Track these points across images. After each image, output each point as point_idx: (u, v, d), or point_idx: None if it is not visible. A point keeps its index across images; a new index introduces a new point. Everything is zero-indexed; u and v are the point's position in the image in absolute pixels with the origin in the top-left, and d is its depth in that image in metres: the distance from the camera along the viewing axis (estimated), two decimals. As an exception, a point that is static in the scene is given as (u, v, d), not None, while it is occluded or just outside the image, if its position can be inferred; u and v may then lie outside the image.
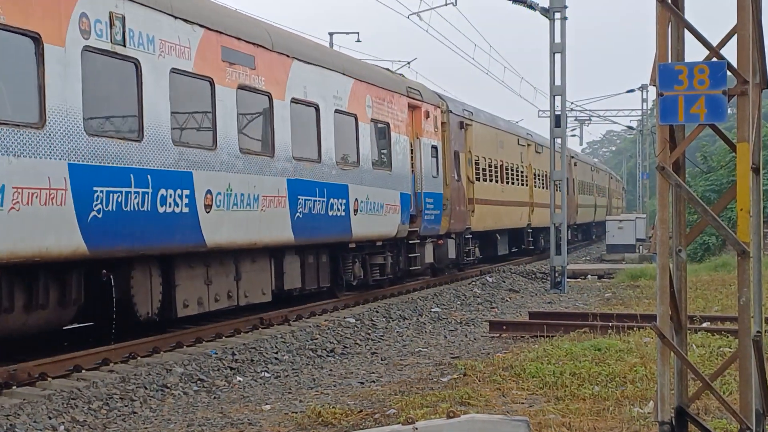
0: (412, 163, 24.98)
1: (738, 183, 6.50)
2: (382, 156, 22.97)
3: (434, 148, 26.64)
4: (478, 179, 32.17)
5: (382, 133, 22.98)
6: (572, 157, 51.64)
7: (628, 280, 27.96)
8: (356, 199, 20.78)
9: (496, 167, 35.23)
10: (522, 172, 39.90)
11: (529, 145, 41.79)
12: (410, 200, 24.27)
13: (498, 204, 34.60)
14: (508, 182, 37.08)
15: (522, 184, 39.74)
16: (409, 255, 25.24)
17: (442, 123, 27.91)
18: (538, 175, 42.98)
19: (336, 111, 20.13)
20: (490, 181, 34.22)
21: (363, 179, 21.26)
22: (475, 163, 31.90)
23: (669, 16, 6.69)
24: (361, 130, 21.35)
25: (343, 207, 20.16)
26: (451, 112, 28.98)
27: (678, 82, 6.50)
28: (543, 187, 42.86)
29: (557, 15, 27.28)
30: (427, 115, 26.17)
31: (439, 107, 27.63)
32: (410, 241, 25.05)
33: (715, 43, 6.68)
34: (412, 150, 25.00)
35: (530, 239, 41.94)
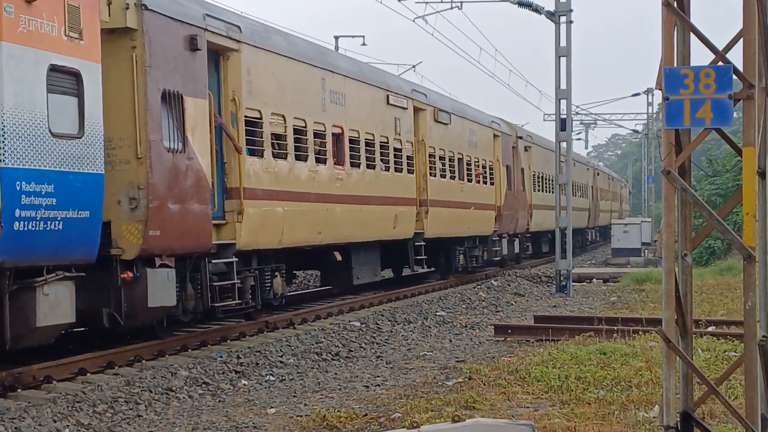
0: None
1: (744, 187, 6.49)
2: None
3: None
4: (433, 174, 26.02)
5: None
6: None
7: (634, 283, 27.91)
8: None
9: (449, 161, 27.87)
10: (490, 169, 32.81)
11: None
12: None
13: (454, 206, 27.72)
14: (469, 180, 29.91)
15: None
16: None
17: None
18: (539, 177, 40.65)
19: None
20: (443, 177, 26.91)
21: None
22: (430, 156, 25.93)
23: (675, 19, 6.68)
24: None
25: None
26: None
27: (684, 86, 6.49)
28: (540, 189, 40.65)
29: (563, 19, 27.26)
30: None
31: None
32: None
33: (721, 47, 6.67)
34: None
35: (527, 245, 40.21)
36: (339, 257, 20.72)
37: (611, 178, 74.33)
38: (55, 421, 10.23)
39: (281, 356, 14.74)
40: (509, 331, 16.98)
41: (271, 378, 13.35)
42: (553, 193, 40.43)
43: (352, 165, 20.36)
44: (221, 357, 14.07)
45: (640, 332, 15.06)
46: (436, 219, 25.59)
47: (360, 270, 22.07)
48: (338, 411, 10.19)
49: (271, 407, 11.01)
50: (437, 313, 21.10)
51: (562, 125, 27.97)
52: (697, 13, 7.06)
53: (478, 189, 30.32)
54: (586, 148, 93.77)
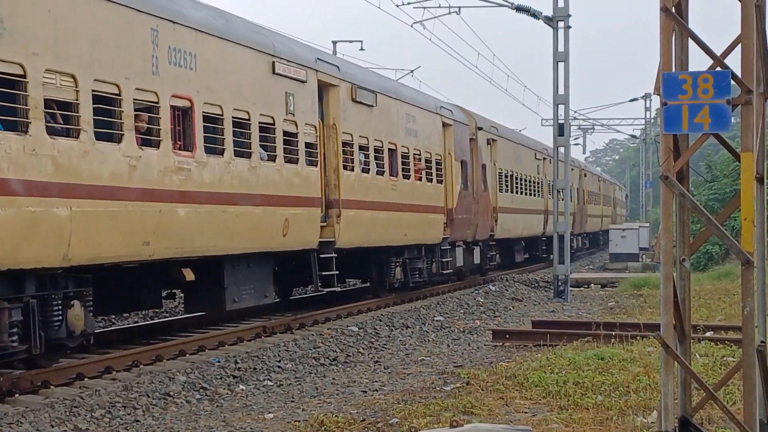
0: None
1: (742, 192, 6.49)
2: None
3: None
4: (349, 168, 21.00)
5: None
6: (545, 150, 43.37)
7: (632, 289, 27.93)
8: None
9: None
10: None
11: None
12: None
13: (383, 209, 22.40)
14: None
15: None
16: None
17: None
18: (507, 175, 35.32)
19: None
20: (365, 172, 21.61)
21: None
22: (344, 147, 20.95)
23: (673, 25, 6.69)
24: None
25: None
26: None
27: (682, 92, 6.50)
28: (509, 190, 35.47)
29: (560, 24, 27.29)
30: None
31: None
32: None
33: (719, 52, 6.68)
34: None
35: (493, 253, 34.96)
36: (190, 276, 15.25)
37: (602, 180, 69.02)
38: (53, 426, 10.23)
39: (279, 361, 14.74)
40: (507, 336, 16.97)
41: (269, 383, 13.34)
42: (527, 194, 38.13)
43: (210, 152, 15.18)
44: (219, 362, 14.06)
45: (638, 337, 15.06)
46: (353, 224, 20.22)
47: (237, 291, 16.76)
48: (336, 416, 10.19)
49: (269, 412, 11.00)
50: (435, 318, 21.10)
51: (560, 130, 27.99)
52: (695, 18, 7.07)
53: (420, 188, 24.63)
54: (584, 153, 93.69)
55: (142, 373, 13.09)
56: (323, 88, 19.53)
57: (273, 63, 17.10)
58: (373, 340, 17.52)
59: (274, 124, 17.04)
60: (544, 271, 37.02)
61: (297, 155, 17.95)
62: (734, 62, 6.64)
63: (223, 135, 15.42)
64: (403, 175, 23.54)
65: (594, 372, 12.01)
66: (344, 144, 20.18)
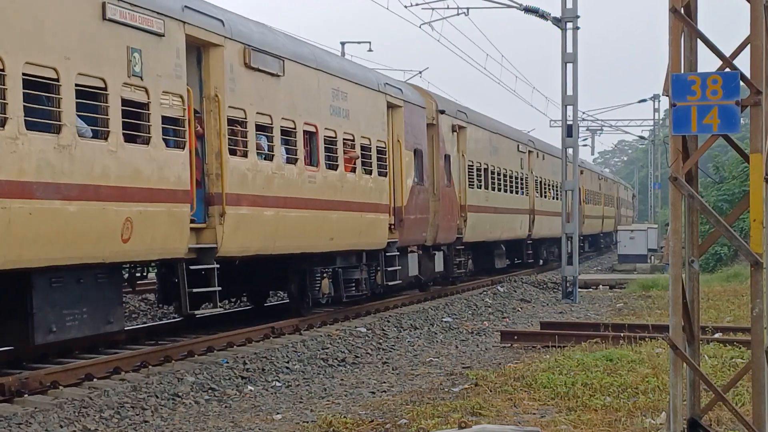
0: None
1: (751, 193, 6.49)
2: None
3: None
4: (239, 153, 16.29)
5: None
6: (531, 143, 39.12)
7: (640, 290, 27.88)
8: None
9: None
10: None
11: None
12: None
13: (294, 206, 17.62)
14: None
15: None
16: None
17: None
18: (480, 169, 30.46)
19: None
20: (267, 159, 16.90)
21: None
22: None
23: (682, 26, 6.69)
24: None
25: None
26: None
27: (691, 93, 6.50)
28: (483, 186, 30.83)
29: (569, 25, 27.26)
30: None
31: None
32: None
33: (728, 53, 6.68)
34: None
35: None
36: None
37: (603, 178, 61.87)
38: (61, 427, 10.25)
39: (287, 362, 14.74)
40: (515, 337, 16.96)
41: (278, 384, 13.35)
42: (507, 192, 33.63)
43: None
44: (227, 363, 14.08)
45: (647, 339, 15.04)
46: (246, 226, 15.63)
47: (56, 316, 12.44)
48: (344, 417, 10.19)
49: (278, 413, 11.01)
50: (443, 320, 21.09)
51: (569, 131, 27.96)
52: (704, 19, 7.07)
53: (354, 182, 19.87)
54: (593, 154, 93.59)
55: (150, 374, 13.11)
56: (202, 48, 15.14)
57: (103, 5, 12.49)
58: (381, 341, 17.52)
59: (105, 89, 12.49)
60: (552, 272, 36.91)
61: (149, 133, 13.43)
62: (743, 63, 6.64)
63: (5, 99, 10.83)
64: (327, 164, 18.64)
65: (602, 373, 12.00)
66: (232, 122, 15.37)
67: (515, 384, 11.75)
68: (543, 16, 28.29)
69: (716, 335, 15.66)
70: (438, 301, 24.81)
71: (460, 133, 28.16)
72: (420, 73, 44.53)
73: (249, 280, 19.30)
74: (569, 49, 27.21)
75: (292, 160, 17.34)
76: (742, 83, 6.53)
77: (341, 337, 17.14)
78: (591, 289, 30.42)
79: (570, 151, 28.53)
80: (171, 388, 12.29)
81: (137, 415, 11.12)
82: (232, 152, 15.34)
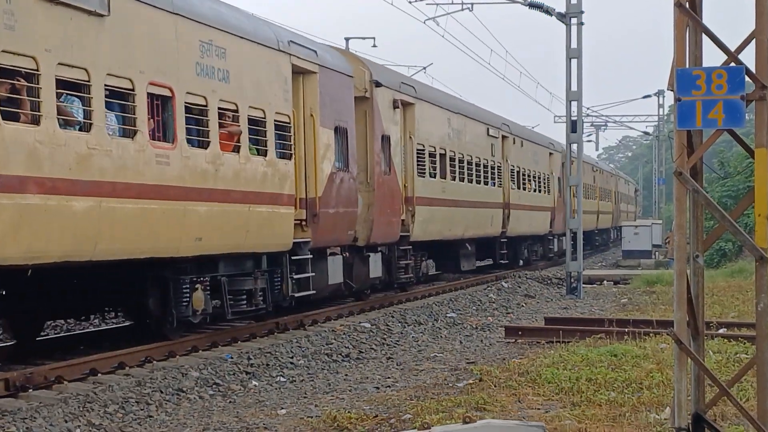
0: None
1: (756, 188, 6.48)
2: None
3: None
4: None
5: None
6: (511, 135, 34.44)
7: (644, 285, 27.86)
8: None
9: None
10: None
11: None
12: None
13: (125, 194, 13.10)
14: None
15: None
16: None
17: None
18: (435, 154, 25.86)
19: None
20: (81, 129, 12.35)
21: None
22: None
23: (687, 20, 6.68)
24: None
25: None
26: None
27: (696, 87, 6.49)
28: (439, 175, 25.91)
29: (573, 20, 27.23)
30: None
31: None
32: None
33: (733, 48, 6.66)
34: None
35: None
36: None
37: (598, 170, 55.58)
38: (66, 422, 10.26)
39: (292, 357, 14.75)
40: (520, 332, 16.97)
41: (282, 379, 13.36)
42: (475, 182, 29.07)
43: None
44: (232, 358, 14.09)
45: (651, 334, 15.04)
46: (36, 222, 11.27)
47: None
48: (349, 412, 10.20)
49: (282, 408, 11.02)
50: (448, 315, 21.09)
51: (573, 127, 27.94)
52: (708, 14, 7.05)
53: (235, 164, 15.22)
54: (597, 150, 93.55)
55: (155, 369, 13.12)
56: None
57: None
58: (385, 336, 17.53)
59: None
60: (556, 268, 36.84)
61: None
62: (749, 58, 6.62)
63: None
64: (190, 141, 14.34)
65: (607, 368, 11.99)
66: (8, 74, 11.07)
67: (520, 379, 11.75)
68: (547, 11, 28.26)
69: (721, 330, 15.66)
70: (442, 297, 24.80)
71: (406, 111, 23.62)
72: (424, 68, 44.30)
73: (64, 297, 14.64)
74: (574, 45, 27.18)
75: (128, 133, 12.88)
76: (747, 78, 6.52)
77: (345, 333, 17.15)
78: (595, 285, 30.41)
79: (574, 146, 28.50)
80: (175, 383, 12.31)
81: (142, 410, 11.14)
82: (9, 116, 10.94)
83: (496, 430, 6.48)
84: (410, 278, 24.17)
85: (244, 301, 16.16)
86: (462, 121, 28.34)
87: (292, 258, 17.25)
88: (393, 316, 19.80)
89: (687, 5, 6.67)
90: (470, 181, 28.76)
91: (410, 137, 23.68)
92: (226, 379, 12.97)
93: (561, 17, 27.53)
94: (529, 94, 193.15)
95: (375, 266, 21.61)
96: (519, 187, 34.79)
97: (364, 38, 44.88)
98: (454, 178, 27.13)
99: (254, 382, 13.04)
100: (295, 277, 17.40)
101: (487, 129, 31.18)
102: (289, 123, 16.91)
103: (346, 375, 13.63)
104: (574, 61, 27.22)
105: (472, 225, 29.12)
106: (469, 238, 29.41)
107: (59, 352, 13.87)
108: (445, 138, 26.59)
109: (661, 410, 9.61)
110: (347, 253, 20.16)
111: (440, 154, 26.07)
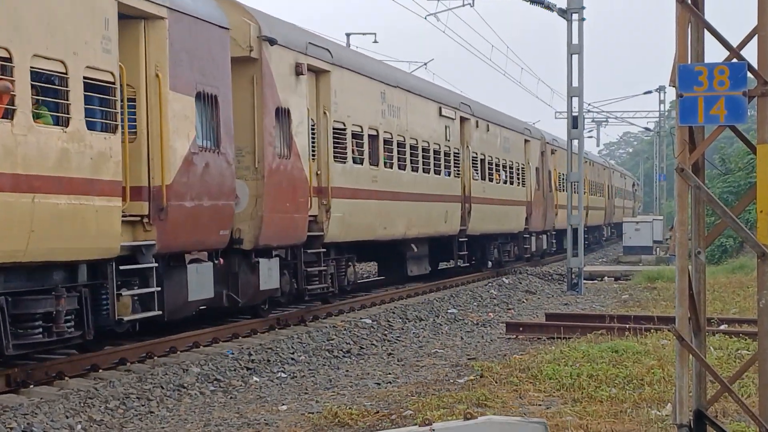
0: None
1: (758, 184, 6.46)
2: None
3: None
4: None
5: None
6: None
7: (645, 282, 27.87)
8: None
9: None
10: None
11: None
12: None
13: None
14: None
15: None
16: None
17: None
18: (362, 135, 20.72)
19: None
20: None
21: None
22: None
23: (689, 16, 6.66)
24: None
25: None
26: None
27: (698, 83, 6.48)
28: (361, 160, 20.73)
29: (575, 16, 27.23)
30: None
31: None
32: None
33: (735, 44, 6.65)
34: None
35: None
36: None
37: (588, 161, 47.61)
38: (67, 417, 10.26)
39: (293, 353, 14.75)
40: (521, 328, 16.96)
41: (283, 375, 13.36)
42: (422, 171, 24.13)
43: None
44: (233, 354, 14.09)
45: (652, 330, 15.04)
46: None
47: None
48: (350, 408, 10.20)
49: (283, 404, 11.02)
50: (448, 311, 21.09)
51: (574, 123, 27.93)
52: (711, 10, 7.04)
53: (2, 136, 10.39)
54: (598, 145, 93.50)
55: (156, 365, 13.12)
56: None
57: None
58: (386, 332, 17.53)
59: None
60: (557, 264, 36.77)
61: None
62: (751, 54, 6.61)
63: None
64: None
65: (608, 365, 11.99)
66: None
67: (521, 375, 11.75)
68: (548, 7, 28.23)
69: (722, 327, 15.65)
70: (443, 293, 24.79)
71: (320, 80, 18.77)
72: (425, 64, 44.27)
73: None
74: (575, 41, 27.18)
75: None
76: (749, 74, 6.50)
77: (346, 329, 17.15)
78: (596, 281, 30.42)
79: (575, 142, 28.49)
80: (176, 379, 12.31)
81: (143, 405, 11.13)
82: None
83: (497, 427, 6.46)
84: (327, 288, 19.11)
85: (40, 332, 11.48)
86: (402, 97, 23.00)
87: (124, 268, 12.77)
88: (394, 312, 19.80)
89: (689, 1, 6.66)
90: (414, 170, 23.73)
91: (324, 113, 18.70)
92: (227, 375, 12.97)
93: (562, 13, 27.53)
94: (530, 89, 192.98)
95: (268, 275, 16.49)
96: (484, 178, 29.81)
97: (365, 34, 44.94)
98: (390, 166, 22.15)
99: (255, 378, 13.03)
100: (133, 293, 13.05)
101: (439, 108, 25.82)
102: (114, 83, 12.41)
103: (347, 371, 13.63)
104: (575, 57, 27.22)
105: (419, 222, 23.89)
106: (415, 238, 24.18)
107: (60, 347, 13.86)
108: (376, 116, 21.34)
109: (663, 406, 9.62)
110: (221, 260, 15.45)
111: (370, 135, 20.99)
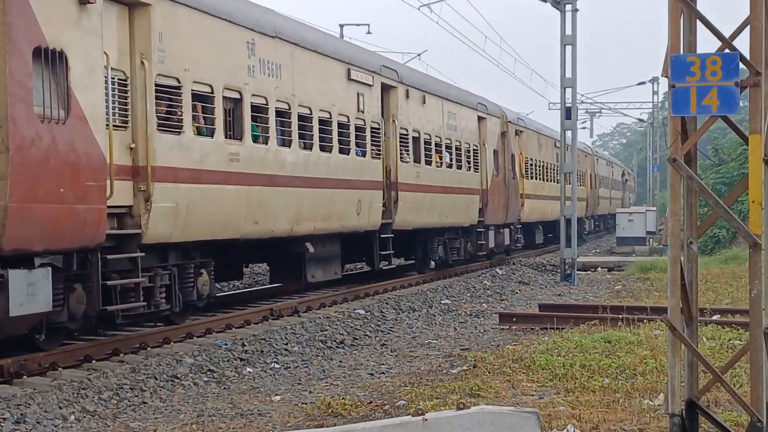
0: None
1: (750, 175, 6.48)
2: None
3: None
4: None
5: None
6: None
7: (638, 272, 27.92)
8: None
9: None
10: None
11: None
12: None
13: None
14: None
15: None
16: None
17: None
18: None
19: None
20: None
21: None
22: None
23: (681, 7, 6.67)
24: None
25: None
26: None
27: (690, 74, 6.49)
28: (309, 145, 18.07)
29: (568, 7, 27.21)
30: None
31: None
32: None
33: (727, 34, 6.66)
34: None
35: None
36: None
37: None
38: (60, 408, 10.26)
39: (286, 344, 14.76)
40: (514, 319, 16.98)
41: (276, 366, 13.37)
42: (313, 149, 18.24)
43: None
44: (226, 344, 14.09)
45: (645, 320, 15.07)
46: None
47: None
48: (343, 398, 10.21)
49: (276, 395, 11.03)
50: (442, 302, 21.11)
51: (567, 114, 27.93)
52: (703, 1, 7.04)
53: None
54: (591, 136, 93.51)
55: (149, 356, 13.12)
56: None
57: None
58: (379, 323, 17.54)
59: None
60: (551, 255, 36.84)
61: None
62: (743, 44, 6.62)
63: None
64: None
65: (601, 355, 12.02)
66: None
67: (514, 366, 11.77)
68: (542, -3, 28.19)
69: (714, 317, 15.69)
70: (437, 284, 24.80)
71: (134, 17, 13.52)
72: (419, 55, 44.21)
73: None
74: (568, 32, 27.16)
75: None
76: (741, 64, 6.51)
77: (340, 319, 17.16)
78: (589, 272, 30.45)
79: (569, 133, 28.49)
80: (170, 370, 12.31)
81: (136, 396, 11.14)
82: None
83: (489, 417, 6.48)
84: (157, 306, 13.92)
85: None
86: (285, 51, 17.48)
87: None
88: (387, 303, 19.81)
89: (681, -9, 6.66)
90: (306, 147, 18.27)
91: (143, 62, 13.41)
92: (220, 366, 12.97)
93: (555, 4, 27.49)
94: (524, 80, 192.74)
95: (28, 293, 11.08)
96: (418, 161, 24.31)
97: (358, 25, 44.85)
98: (265, 141, 16.73)
99: (248, 369, 13.04)
100: None
101: (347, 70, 20.26)
102: None
103: (341, 361, 13.64)
104: (568, 48, 27.21)
105: (315, 215, 18.60)
106: (312, 235, 18.86)
107: (53, 338, 13.84)
108: (239, 73, 15.89)
109: (655, 396, 9.64)
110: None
111: (228, 99, 15.65)
